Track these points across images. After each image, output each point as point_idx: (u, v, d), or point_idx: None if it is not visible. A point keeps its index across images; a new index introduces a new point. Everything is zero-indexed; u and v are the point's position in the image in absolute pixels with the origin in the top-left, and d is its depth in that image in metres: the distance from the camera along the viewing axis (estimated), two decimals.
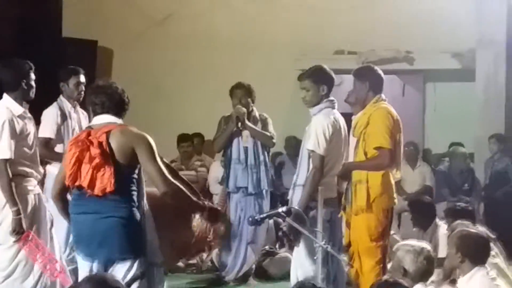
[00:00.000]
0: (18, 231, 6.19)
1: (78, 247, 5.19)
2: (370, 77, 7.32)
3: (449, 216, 8.24)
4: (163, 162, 5.28)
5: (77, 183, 5.00)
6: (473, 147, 12.46)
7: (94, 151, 4.90)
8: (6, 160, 6.17)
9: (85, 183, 4.94)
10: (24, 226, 6.21)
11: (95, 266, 5.07)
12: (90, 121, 5.61)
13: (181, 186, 5.25)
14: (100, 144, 4.92)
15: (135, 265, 5.10)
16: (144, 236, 5.17)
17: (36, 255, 6.29)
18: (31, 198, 6.33)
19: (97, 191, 4.92)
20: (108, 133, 4.99)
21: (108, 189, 4.90)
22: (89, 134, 5.00)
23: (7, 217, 6.28)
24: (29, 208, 6.32)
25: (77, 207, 5.15)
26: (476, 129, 12.47)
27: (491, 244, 7.02)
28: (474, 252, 6.00)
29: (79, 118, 7.20)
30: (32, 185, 6.42)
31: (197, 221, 5.49)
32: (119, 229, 5.04)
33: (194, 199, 5.39)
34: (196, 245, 5.75)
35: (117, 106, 5.23)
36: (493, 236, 8.03)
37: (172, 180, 5.16)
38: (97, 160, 4.89)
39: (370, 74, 7.37)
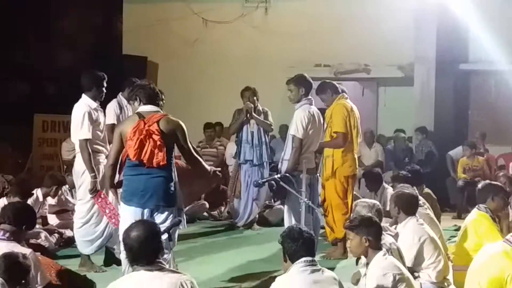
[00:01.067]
0: (95, 190, 6.26)
1: (132, 199, 5.10)
2: (329, 87, 7.45)
3: (394, 181, 8.22)
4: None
5: (140, 158, 4.97)
6: (411, 133, 12.45)
7: (156, 137, 4.92)
8: (86, 140, 6.26)
9: (145, 158, 4.93)
10: (98, 187, 6.30)
11: (145, 213, 5.04)
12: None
13: (200, 159, 5.40)
14: (158, 131, 4.94)
15: (173, 212, 5.13)
16: (177, 190, 5.23)
17: (105, 208, 6.33)
18: (101, 168, 6.35)
19: (154, 164, 4.93)
20: (158, 122, 5.00)
21: (162, 163, 4.94)
22: (145, 123, 4.97)
23: (85, 180, 6.37)
24: (100, 175, 6.34)
25: (134, 171, 5.10)
26: (414, 119, 12.46)
27: (424, 200, 7.04)
28: (406, 206, 6.01)
29: (131, 110, 7.20)
30: (102, 158, 6.46)
31: None
32: (164, 185, 5.07)
33: (206, 166, 5.51)
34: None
35: (157, 98, 5.27)
36: (434, 197, 8.03)
37: (196, 155, 5.34)
38: (158, 143, 4.91)
39: (328, 86, 7.49)
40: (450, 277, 6.07)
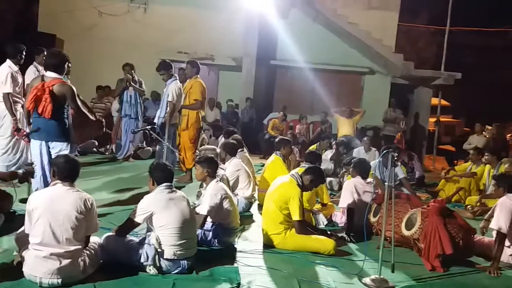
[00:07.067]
0: (18, 129, 5.79)
1: (33, 134, 4.63)
2: (194, 66, 7.33)
3: (225, 134, 8.39)
4: (81, 100, 4.80)
5: (35, 110, 4.52)
6: (238, 101, 12.73)
7: (47, 98, 4.44)
8: (9, 93, 5.84)
9: (39, 111, 4.48)
10: (20, 126, 5.83)
11: (43, 144, 4.60)
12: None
13: (87, 113, 4.85)
14: (49, 91, 4.45)
15: (67, 146, 4.64)
16: (70, 132, 4.68)
17: (23, 137, 5.89)
18: (18, 113, 5.96)
19: (44, 116, 4.46)
20: (54, 85, 4.51)
21: (48, 116, 4.45)
22: (43, 86, 4.47)
23: (5, 122, 5.98)
24: (18, 117, 5.96)
25: (35, 114, 4.55)
26: (241, 92, 12.73)
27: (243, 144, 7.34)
28: (230, 150, 6.24)
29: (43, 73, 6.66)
30: (19, 106, 6.00)
31: None
32: (54, 126, 4.56)
33: (91, 117, 4.91)
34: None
35: (62, 68, 4.64)
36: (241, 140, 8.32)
37: (83, 109, 4.80)
38: (47, 101, 4.45)
39: (194, 65, 7.36)
40: (256, 195, 6.51)
